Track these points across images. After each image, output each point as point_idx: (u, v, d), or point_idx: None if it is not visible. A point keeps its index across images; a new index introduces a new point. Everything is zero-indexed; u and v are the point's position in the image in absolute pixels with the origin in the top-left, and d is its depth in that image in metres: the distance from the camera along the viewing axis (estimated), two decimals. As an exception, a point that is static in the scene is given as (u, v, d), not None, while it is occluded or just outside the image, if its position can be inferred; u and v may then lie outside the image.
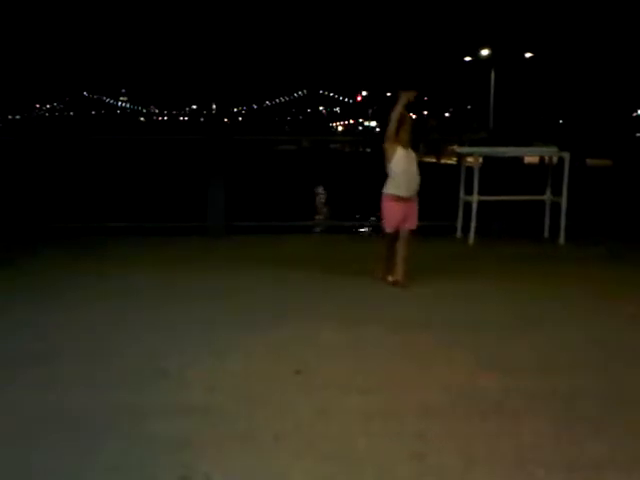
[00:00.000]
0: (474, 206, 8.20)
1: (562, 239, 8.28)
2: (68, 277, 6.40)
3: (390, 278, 6.01)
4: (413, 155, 5.88)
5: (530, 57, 43.63)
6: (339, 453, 2.97)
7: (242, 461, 2.90)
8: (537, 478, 2.79)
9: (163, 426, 3.21)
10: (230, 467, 2.86)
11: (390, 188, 5.89)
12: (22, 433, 3.17)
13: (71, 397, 3.58)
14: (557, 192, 8.48)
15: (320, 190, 33.57)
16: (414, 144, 5.87)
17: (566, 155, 8.35)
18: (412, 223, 5.97)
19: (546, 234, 8.60)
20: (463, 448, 3.01)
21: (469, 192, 8.39)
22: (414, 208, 6.00)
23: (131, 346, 4.42)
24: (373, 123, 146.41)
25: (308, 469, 2.83)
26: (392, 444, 3.05)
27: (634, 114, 58.54)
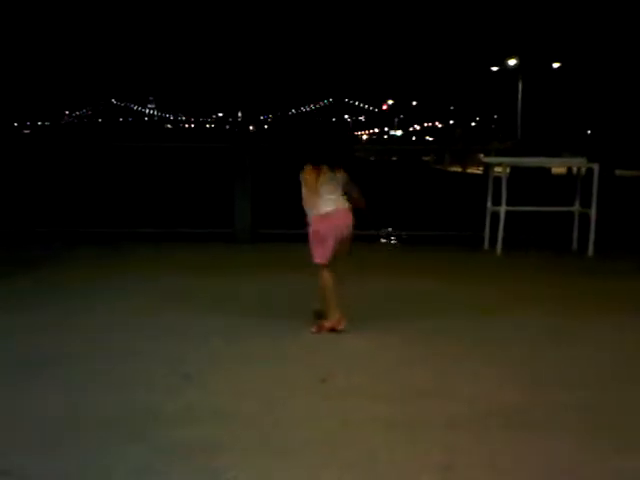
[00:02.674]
0: (502, 217, 8.14)
1: (591, 251, 8.18)
2: (93, 281, 6.47)
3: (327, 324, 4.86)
4: None
5: (558, 67, 43.33)
6: (364, 462, 2.95)
7: (267, 468, 2.90)
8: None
9: (188, 431, 3.23)
10: (256, 474, 2.85)
11: None
12: (48, 434, 3.20)
13: (95, 399, 3.61)
14: (585, 203, 8.39)
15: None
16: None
17: (595, 166, 8.27)
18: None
19: (574, 246, 8.50)
20: (489, 460, 2.98)
21: (496, 202, 8.34)
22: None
23: (156, 350, 4.45)
24: (399, 132, 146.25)
25: (333, 478, 2.82)
26: (417, 454, 3.03)
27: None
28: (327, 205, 4.79)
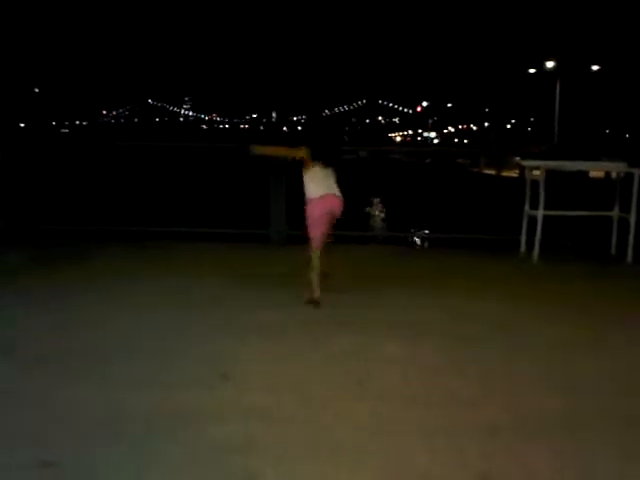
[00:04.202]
0: (539, 221, 8.04)
1: (630, 257, 8.04)
2: (133, 279, 6.54)
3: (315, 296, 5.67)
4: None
5: (597, 70, 42.67)
6: (399, 467, 2.94)
7: (304, 470, 2.90)
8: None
9: (226, 429, 3.25)
10: (293, 475, 2.86)
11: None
12: (86, 430, 3.25)
13: (131, 396, 3.65)
14: (624, 208, 8.25)
15: (377, 200, 33.53)
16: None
17: (636, 171, 8.13)
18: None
19: (613, 251, 8.36)
20: (527, 468, 2.95)
21: (534, 206, 8.24)
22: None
23: (194, 349, 4.48)
24: (432, 134, 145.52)
25: (370, 482, 2.82)
26: (454, 462, 3.01)
27: None
28: (321, 190, 5.78)
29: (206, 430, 3.26)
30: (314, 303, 5.64)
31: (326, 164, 5.83)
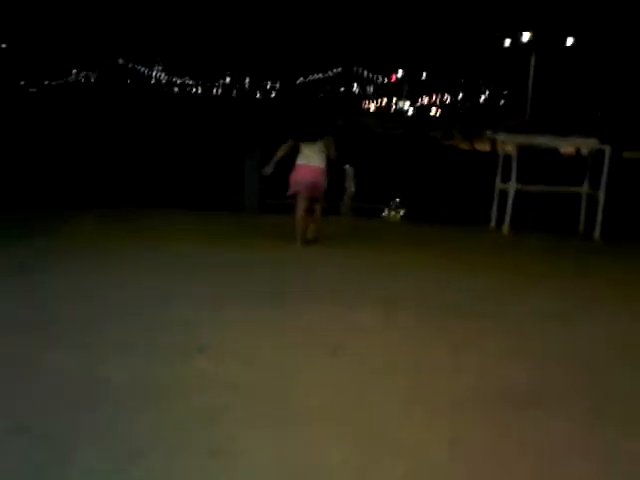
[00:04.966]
0: (510, 195, 8.14)
1: (597, 234, 8.19)
2: (113, 246, 6.53)
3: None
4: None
5: (572, 44, 42.74)
6: (373, 437, 3.01)
7: (274, 441, 2.94)
8: (570, 466, 2.81)
9: (202, 399, 3.28)
10: (262, 446, 2.88)
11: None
12: (66, 395, 3.27)
13: (110, 364, 3.67)
14: (593, 185, 8.38)
15: (349, 171, 33.40)
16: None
17: (607, 148, 8.25)
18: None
19: (581, 228, 8.51)
20: (496, 435, 3.05)
21: (505, 180, 8.33)
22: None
23: (167, 319, 4.49)
24: (407, 103, 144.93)
25: (341, 452, 2.88)
26: (425, 429, 3.09)
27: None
28: (305, 160, 6.86)
29: (178, 400, 3.29)
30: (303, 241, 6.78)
31: (312, 140, 6.88)
